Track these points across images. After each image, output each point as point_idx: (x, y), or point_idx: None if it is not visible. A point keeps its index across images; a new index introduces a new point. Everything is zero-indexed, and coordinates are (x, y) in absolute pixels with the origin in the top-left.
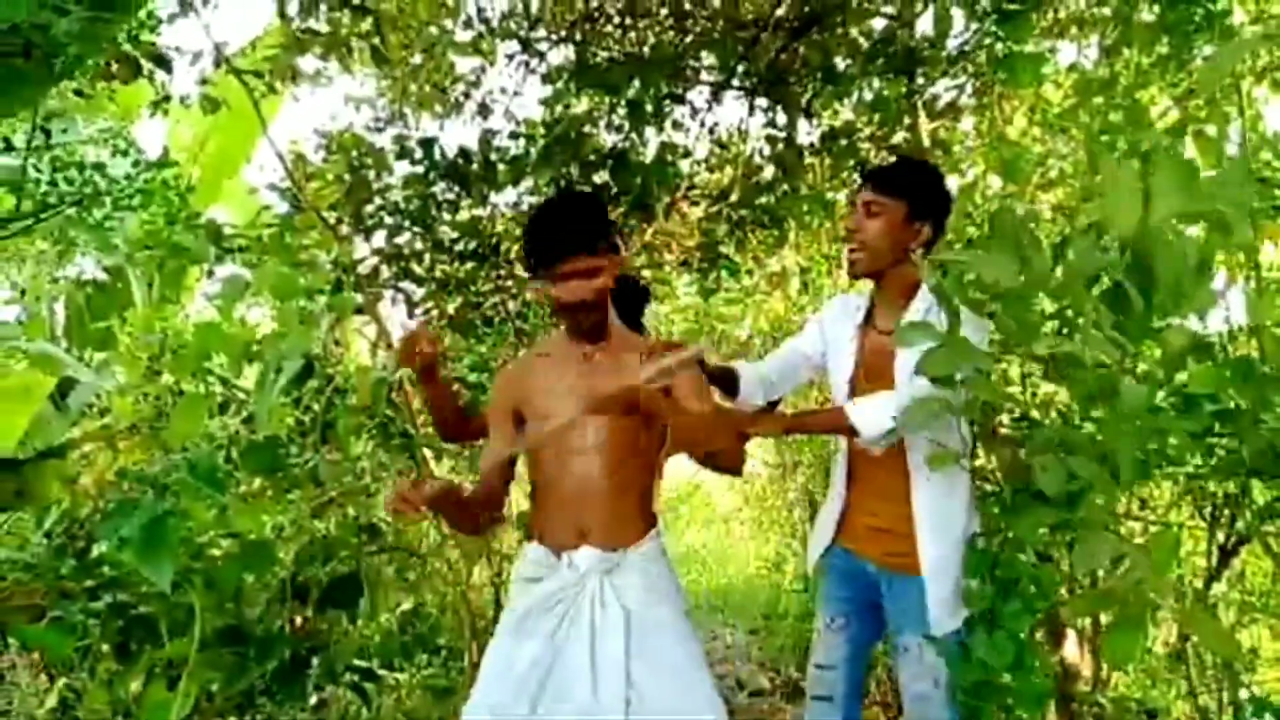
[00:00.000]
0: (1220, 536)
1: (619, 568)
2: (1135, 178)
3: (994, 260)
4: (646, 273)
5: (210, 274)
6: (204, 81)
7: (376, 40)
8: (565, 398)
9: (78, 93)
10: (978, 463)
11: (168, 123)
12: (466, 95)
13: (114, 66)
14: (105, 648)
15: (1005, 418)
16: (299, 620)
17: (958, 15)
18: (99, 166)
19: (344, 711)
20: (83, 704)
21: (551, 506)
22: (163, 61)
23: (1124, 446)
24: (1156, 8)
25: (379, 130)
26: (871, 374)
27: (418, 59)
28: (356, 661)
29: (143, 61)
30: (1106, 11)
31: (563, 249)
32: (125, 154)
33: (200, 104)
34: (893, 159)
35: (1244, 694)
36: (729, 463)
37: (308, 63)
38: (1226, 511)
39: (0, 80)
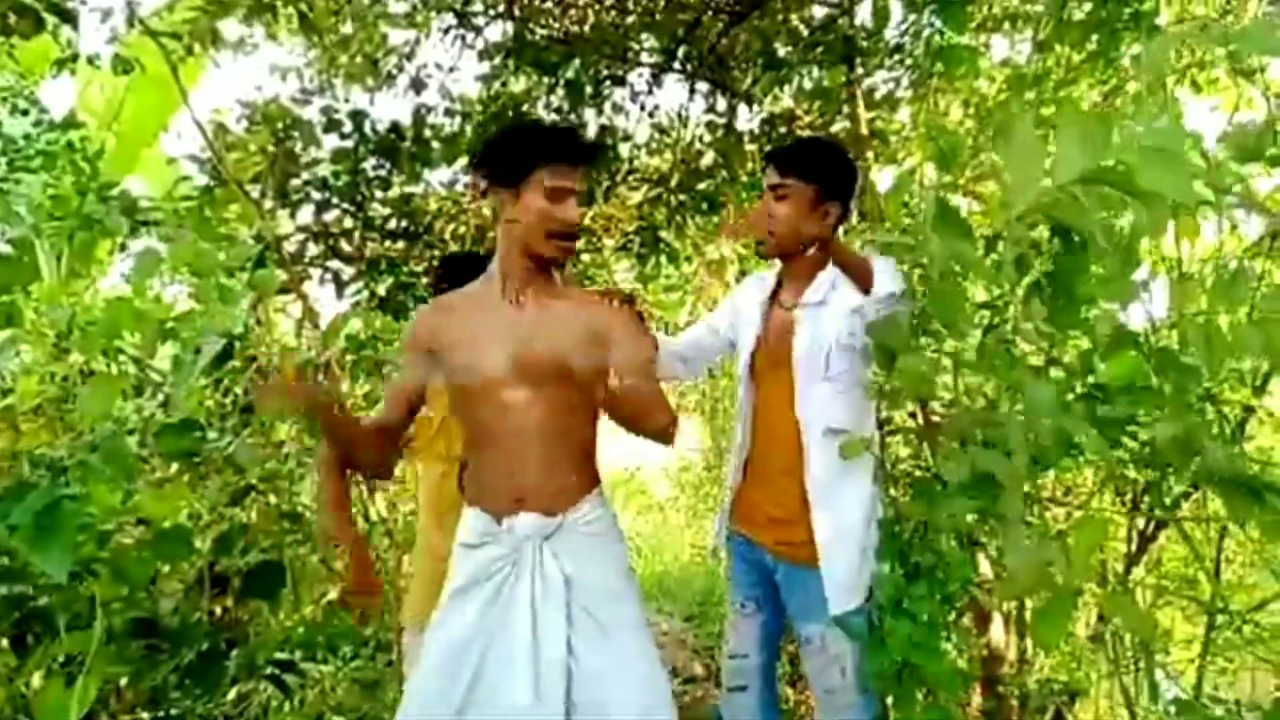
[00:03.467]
0: (1140, 523)
1: (559, 533)
2: (1038, 141)
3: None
4: (585, 257)
5: (123, 248)
6: (114, 39)
7: (304, 6)
8: (491, 346)
9: None
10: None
11: (78, 85)
12: (399, 69)
13: (12, 19)
14: (3, 643)
15: (937, 405)
16: (219, 611)
17: (896, 6)
18: None
19: (265, 705)
20: None
21: (486, 470)
22: (67, 16)
23: (1027, 441)
24: (1087, 6)
25: (306, 102)
26: (773, 347)
27: (348, 28)
28: (278, 654)
29: (45, 15)
30: (1039, 8)
31: (589, 155)
32: (25, 113)
33: (112, 65)
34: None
35: (1159, 674)
36: (660, 436)
37: (231, 28)
38: (1146, 499)
39: None
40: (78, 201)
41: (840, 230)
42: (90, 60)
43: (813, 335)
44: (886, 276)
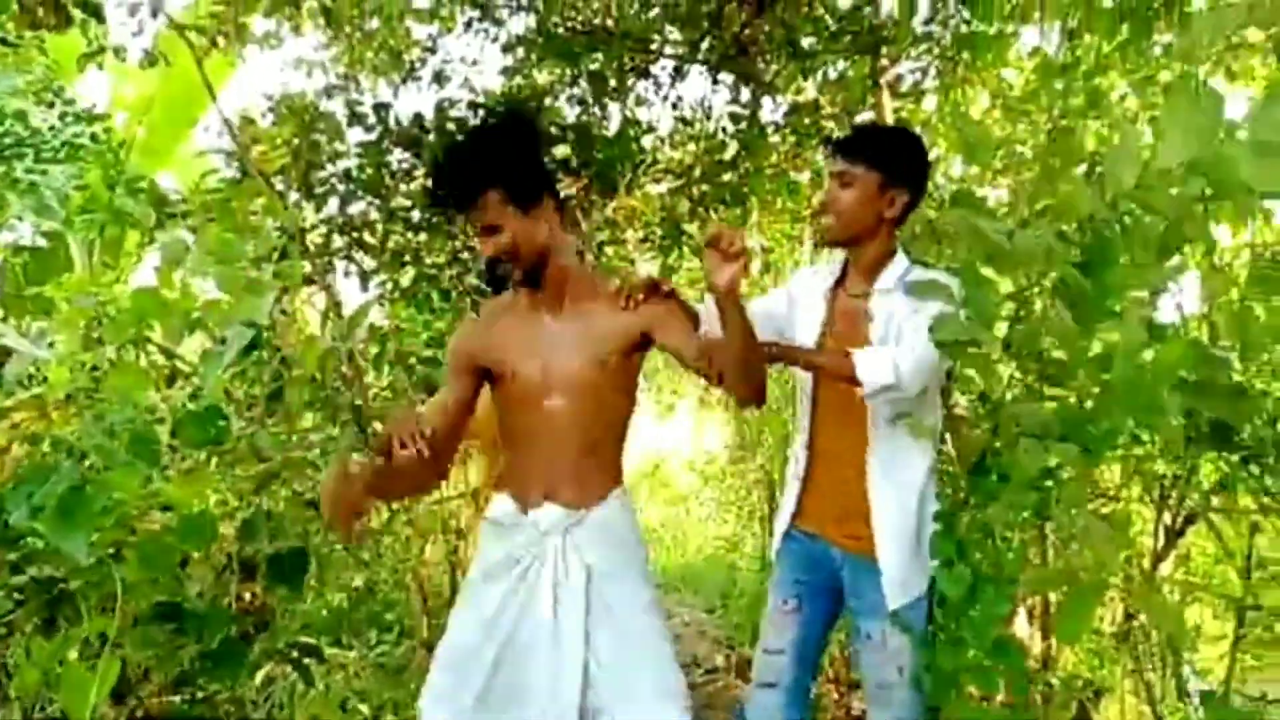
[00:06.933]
0: (1167, 518)
1: (581, 526)
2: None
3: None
4: (609, 249)
5: (152, 241)
6: (139, 33)
7: (329, 1)
8: (527, 357)
9: (3, 41)
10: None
11: (112, 81)
12: (423, 62)
13: (41, 13)
14: (33, 627)
15: (962, 399)
16: (248, 596)
17: None
18: (20, 115)
19: (291, 689)
20: (14, 682)
21: (518, 459)
22: (94, 10)
23: (1117, 421)
24: None
25: (330, 96)
26: (840, 336)
27: (372, 23)
28: (303, 639)
29: (72, 10)
30: None
31: (448, 200)
32: (51, 105)
33: (141, 60)
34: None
35: (1186, 670)
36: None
37: (258, 23)
38: (1174, 492)
39: None
40: (107, 195)
41: (906, 220)
42: (116, 53)
43: (888, 321)
44: (872, 367)
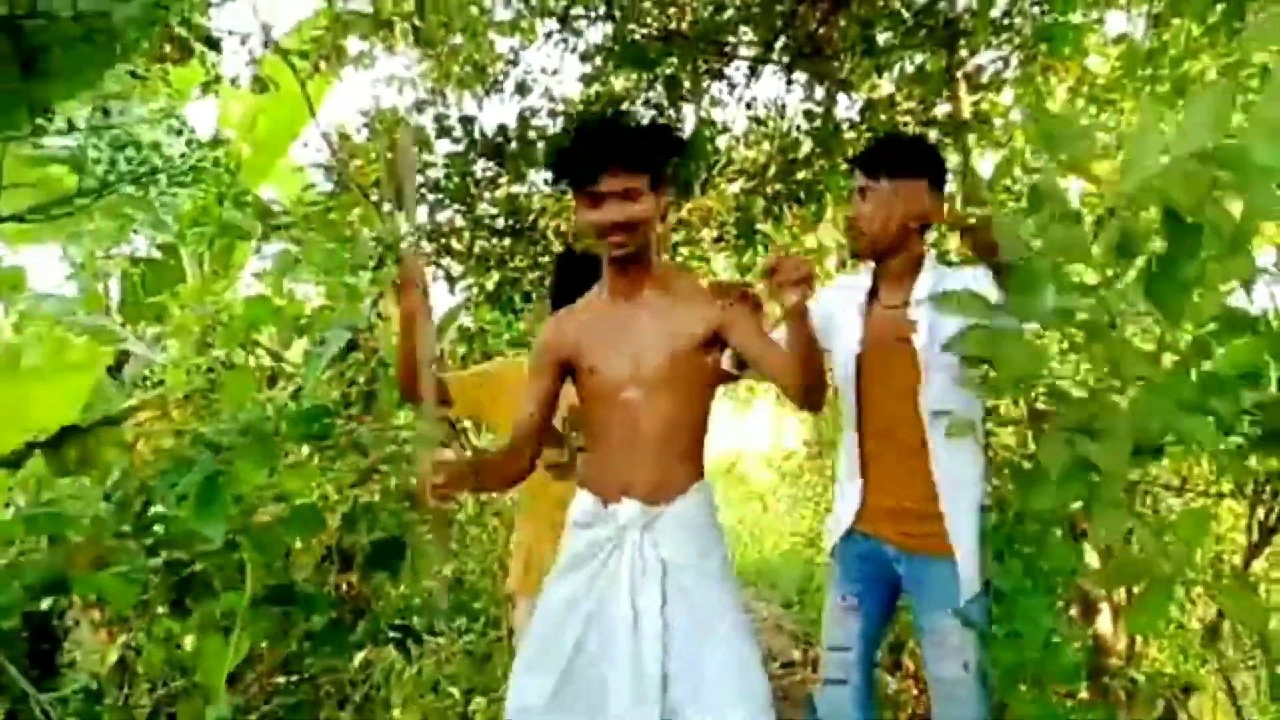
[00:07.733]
0: (1261, 513)
1: (659, 520)
2: (1160, 116)
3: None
4: (684, 249)
5: (258, 250)
6: (252, 61)
7: (418, 20)
8: (609, 351)
9: (133, 74)
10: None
11: (219, 103)
12: (505, 73)
13: (167, 48)
14: (161, 609)
15: (1042, 393)
16: (345, 585)
17: None
18: (155, 145)
19: (389, 671)
20: (141, 660)
21: (600, 455)
22: (213, 43)
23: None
24: None
25: (420, 111)
26: (882, 346)
27: (458, 39)
28: (398, 621)
29: (194, 44)
30: None
31: (599, 163)
32: (179, 133)
33: (250, 85)
34: (928, 131)
35: None
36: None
37: (353, 44)
38: (1268, 488)
39: (65, 63)
40: (217, 209)
41: (931, 225)
42: (232, 82)
43: (932, 326)
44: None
